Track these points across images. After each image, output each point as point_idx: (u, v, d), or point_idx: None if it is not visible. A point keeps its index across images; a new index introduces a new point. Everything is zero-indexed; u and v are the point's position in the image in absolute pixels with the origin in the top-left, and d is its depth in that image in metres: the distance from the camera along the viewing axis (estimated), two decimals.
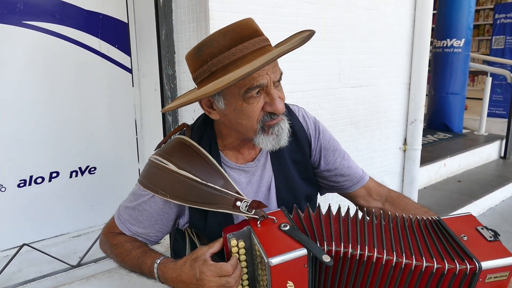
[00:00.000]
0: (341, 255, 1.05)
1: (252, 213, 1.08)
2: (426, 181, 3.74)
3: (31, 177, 2.09)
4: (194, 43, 1.87)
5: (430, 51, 4.60)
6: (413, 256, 1.05)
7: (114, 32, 2.23)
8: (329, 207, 1.14)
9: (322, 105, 2.25)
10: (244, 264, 1.10)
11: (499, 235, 1.14)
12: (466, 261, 1.04)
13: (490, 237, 1.11)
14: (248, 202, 1.10)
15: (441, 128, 5.12)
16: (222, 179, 1.15)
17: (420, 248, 1.07)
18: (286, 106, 1.26)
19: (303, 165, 1.30)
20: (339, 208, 1.15)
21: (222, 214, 1.15)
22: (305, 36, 1.10)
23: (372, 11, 2.44)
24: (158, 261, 1.12)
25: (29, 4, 1.96)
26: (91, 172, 2.27)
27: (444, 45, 4.82)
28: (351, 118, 2.46)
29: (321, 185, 1.43)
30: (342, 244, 1.05)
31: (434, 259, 1.04)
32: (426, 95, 3.27)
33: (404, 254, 1.05)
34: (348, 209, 1.15)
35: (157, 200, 1.17)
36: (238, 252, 1.08)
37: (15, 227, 2.08)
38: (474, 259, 1.03)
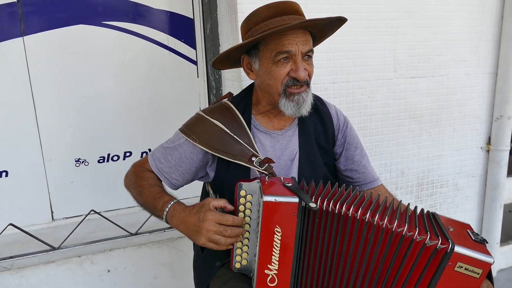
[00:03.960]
0: (324, 209, 1.12)
1: (263, 168, 1.25)
2: None
3: (108, 155, 2.46)
4: (231, 36, 1.97)
5: None
6: (387, 222, 1.08)
7: (181, 27, 2.45)
8: (336, 184, 1.22)
9: (372, 97, 2.13)
10: (248, 219, 1.17)
11: (487, 242, 1.08)
12: (440, 238, 1.04)
13: (477, 239, 1.08)
14: (261, 158, 1.27)
15: None
16: (246, 138, 1.32)
17: (397, 217, 1.10)
18: (320, 99, 1.47)
19: (326, 150, 1.42)
20: (344, 185, 1.22)
21: (242, 168, 1.30)
22: (335, 18, 1.25)
23: None
24: (175, 200, 1.26)
25: (107, 6, 2.29)
26: None
27: None
28: (411, 111, 2.27)
29: (338, 178, 1.53)
30: (330, 201, 1.12)
31: (407, 226, 1.07)
32: None
33: (380, 220, 1.08)
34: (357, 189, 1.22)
35: (188, 144, 1.34)
36: (245, 205, 1.17)
37: (94, 196, 2.47)
38: (449, 240, 1.02)
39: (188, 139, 1.33)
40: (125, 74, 2.37)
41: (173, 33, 2.44)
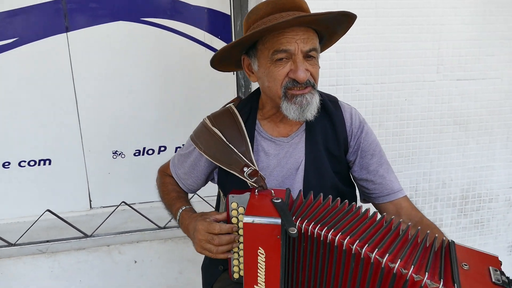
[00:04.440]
0: (309, 233, 1.00)
1: (252, 180, 1.18)
2: None
3: (144, 148, 2.52)
4: None
5: None
6: (378, 253, 0.89)
7: (217, 24, 2.44)
8: (338, 200, 1.11)
9: (410, 100, 1.97)
10: (242, 231, 1.16)
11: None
12: (442, 279, 0.82)
13: (498, 280, 0.85)
14: (253, 169, 1.20)
15: None
16: (244, 146, 1.27)
17: (394, 246, 0.90)
18: (335, 100, 1.35)
19: (337, 158, 1.31)
20: (346, 202, 1.11)
21: (239, 178, 1.25)
22: (337, 12, 1.13)
23: None
24: (184, 207, 1.31)
25: (146, 3, 2.33)
26: None
27: None
28: (456, 117, 2.07)
29: (354, 187, 1.42)
30: (317, 225, 0.99)
31: (401, 261, 0.86)
32: None
33: (370, 251, 0.90)
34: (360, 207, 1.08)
35: (196, 152, 1.35)
36: (237, 217, 1.16)
37: (129, 188, 2.55)
38: (455, 283, 0.81)
39: (196, 147, 1.34)
40: (162, 70, 2.41)
41: (209, 29, 2.44)
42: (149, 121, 2.47)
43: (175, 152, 2.56)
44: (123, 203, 2.26)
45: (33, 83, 2.28)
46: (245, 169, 1.21)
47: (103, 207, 2.54)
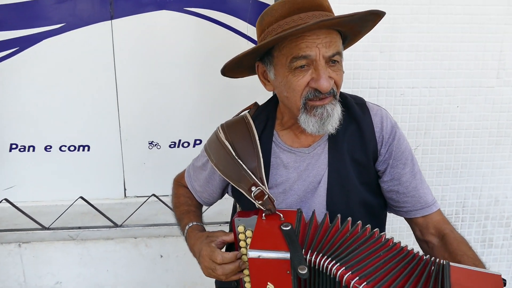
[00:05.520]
0: (319, 268, 0.93)
1: (259, 202, 1.07)
2: None
3: (179, 140, 2.50)
4: None
5: None
6: None
7: None
8: (358, 224, 1.02)
9: (463, 107, 1.77)
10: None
11: None
12: None
13: None
14: (260, 190, 1.09)
15: None
16: (255, 162, 1.15)
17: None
18: (363, 102, 1.20)
19: (365, 168, 1.17)
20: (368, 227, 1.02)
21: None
22: (364, 12, 1.01)
23: None
24: (191, 224, 1.23)
25: None
26: None
27: None
28: None
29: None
30: (328, 259, 0.92)
31: None
32: None
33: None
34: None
35: (210, 165, 1.25)
36: (246, 241, 1.08)
37: (163, 179, 2.51)
38: None
39: (208, 159, 1.24)
40: (202, 62, 2.36)
41: (253, 21, 2.34)
42: (186, 113, 2.44)
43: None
44: (153, 195, 2.25)
45: (77, 70, 2.31)
46: (253, 188, 1.10)
47: (137, 196, 2.55)
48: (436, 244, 1.15)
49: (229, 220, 2.21)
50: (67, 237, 2.14)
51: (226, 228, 2.25)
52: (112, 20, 2.29)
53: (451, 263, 0.89)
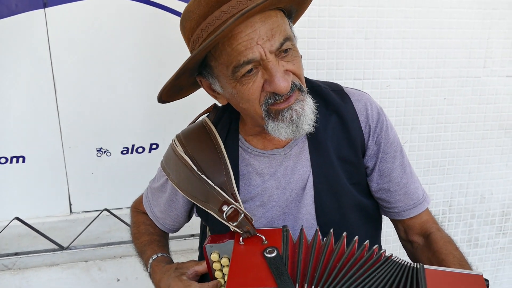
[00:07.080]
0: None
1: (234, 224, 0.91)
2: None
3: (133, 146, 2.22)
4: None
5: None
6: None
7: None
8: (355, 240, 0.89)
9: (450, 99, 1.67)
10: None
11: None
12: None
13: None
14: (234, 207, 0.93)
15: None
16: (223, 175, 0.99)
17: None
18: (340, 89, 1.05)
19: (354, 166, 1.02)
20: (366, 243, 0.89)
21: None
22: None
23: None
24: (155, 256, 1.08)
25: None
26: None
27: None
28: (502, 120, 1.78)
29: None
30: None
31: None
32: None
33: None
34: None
35: (170, 185, 1.09)
36: (222, 270, 0.95)
37: (115, 190, 2.24)
38: None
39: (168, 178, 1.08)
40: (155, 56, 2.09)
41: None
42: (139, 114, 2.15)
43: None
44: (105, 210, 1.97)
45: (6, 67, 1.96)
46: (224, 208, 0.93)
47: (86, 212, 2.25)
48: (420, 243, 1.06)
49: (195, 233, 2.00)
50: (1, 267, 1.82)
51: (192, 242, 2.04)
52: (46, 8, 1.97)
53: (425, 266, 0.83)
